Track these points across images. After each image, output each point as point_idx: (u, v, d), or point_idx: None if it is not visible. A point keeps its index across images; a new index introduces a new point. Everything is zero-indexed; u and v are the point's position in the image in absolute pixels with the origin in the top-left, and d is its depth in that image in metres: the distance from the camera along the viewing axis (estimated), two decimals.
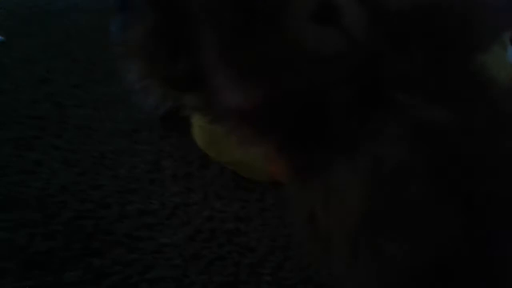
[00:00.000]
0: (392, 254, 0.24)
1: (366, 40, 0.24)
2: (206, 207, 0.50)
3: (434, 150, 0.24)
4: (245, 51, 0.24)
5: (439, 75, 0.25)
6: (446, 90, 0.25)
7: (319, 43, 0.24)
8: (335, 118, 0.25)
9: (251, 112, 0.25)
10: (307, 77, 0.24)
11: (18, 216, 0.45)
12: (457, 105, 0.25)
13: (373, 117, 0.24)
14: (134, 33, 0.27)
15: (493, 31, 0.30)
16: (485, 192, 0.24)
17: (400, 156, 0.24)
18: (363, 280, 0.27)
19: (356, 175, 0.25)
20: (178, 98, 0.30)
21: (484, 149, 0.25)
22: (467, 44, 0.27)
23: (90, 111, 0.63)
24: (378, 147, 0.24)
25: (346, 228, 0.26)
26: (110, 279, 0.41)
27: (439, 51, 0.26)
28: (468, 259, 0.24)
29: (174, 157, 0.56)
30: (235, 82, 0.24)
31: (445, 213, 0.24)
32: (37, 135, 0.57)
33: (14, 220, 0.45)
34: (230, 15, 0.23)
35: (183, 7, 0.25)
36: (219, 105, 0.26)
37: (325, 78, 0.24)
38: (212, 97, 0.26)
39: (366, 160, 0.24)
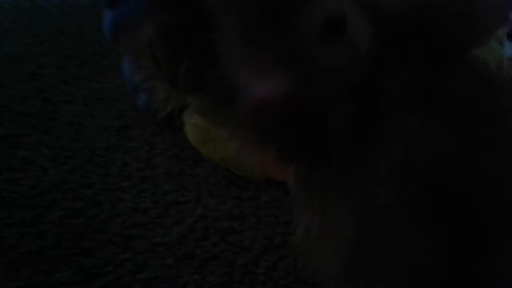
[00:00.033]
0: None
1: (368, 51, 0.24)
2: (199, 205, 0.49)
3: (424, 190, 0.25)
4: (271, 45, 0.24)
5: (438, 83, 0.25)
6: (447, 102, 0.25)
7: (326, 58, 0.24)
8: (335, 133, 0.25)
9: (267, 111, 0.25)
10: (315, 87, 0.24)
11: (7, 215, 0.44)
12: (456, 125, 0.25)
13: (370, 143, 0.25)
14: (140, 33, 0.27)
15: (488, 27, 0.30)
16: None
17: (391, 195, 0.25)
18: None
19: (349, 209, 0.26)
20: (182, 99, 0.30)
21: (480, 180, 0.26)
22: (464, 42, 0.27)
23: (81, 107, 0.62)
24: (371, 184, 0.25)
25: (338, 256, 0.27)
26: (102, 279, 0.40)
27: (437, 51, 0.26)
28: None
29: (167, 154, 0.55)
30: (262, 74, 0.24)
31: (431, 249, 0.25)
32: (26, 132, 0.56)
33: (2, 219, 0.44)
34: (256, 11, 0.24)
35: (197, 6, 0.25)
36: (241, 102, 0.25)
37: (329, 91, 0.24)
38: (234, 94, 0.25)
39: (358, 196, 0.25)
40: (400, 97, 0.25)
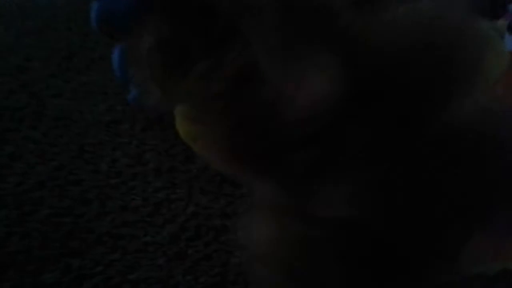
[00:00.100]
0: None
1: (338, 100, 0.25)
2: (191, 203, 0.48)
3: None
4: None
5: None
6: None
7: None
8: (295, 175, 0.27)
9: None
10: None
11: None
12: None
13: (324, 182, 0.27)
14: (140, 40, 0.27)
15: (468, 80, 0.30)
16: None
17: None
18: None
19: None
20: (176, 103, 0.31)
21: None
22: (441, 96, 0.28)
23: (69, 101, 0.61)
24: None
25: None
26: (91, 280, 0.39)
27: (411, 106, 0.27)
28: None
29: (158, 150, 0.54)
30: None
31: None
32: (12, 127, 0.55)
33: None
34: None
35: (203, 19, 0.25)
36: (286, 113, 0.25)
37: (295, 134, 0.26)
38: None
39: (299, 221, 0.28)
40: (361, 147, 0.26)
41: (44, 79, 0.65)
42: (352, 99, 0.25)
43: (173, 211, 0.47)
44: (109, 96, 0.63)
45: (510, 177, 0.30)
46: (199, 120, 0.30)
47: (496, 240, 0.44)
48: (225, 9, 0.25)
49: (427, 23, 0.27)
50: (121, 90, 0.61)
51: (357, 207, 0.27)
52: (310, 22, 0.25)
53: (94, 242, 0.42)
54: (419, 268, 0.30)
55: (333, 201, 0.27)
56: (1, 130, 0.54)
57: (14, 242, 0.41)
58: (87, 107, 0.60)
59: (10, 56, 0.70)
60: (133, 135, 0.56)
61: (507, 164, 0.30)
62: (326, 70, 0.25)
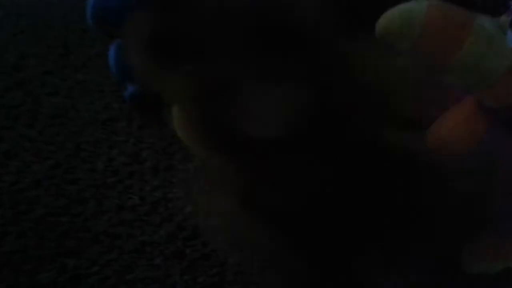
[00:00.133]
0: None
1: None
2: (189, 202, 0.47)
3: None
4: None
5: None
6: None
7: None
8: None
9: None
10: None
11: None
12: None
13: None
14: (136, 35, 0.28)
15: None
16: None
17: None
18: None
19: None
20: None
21: None
22: None
23: (65, 99, 0.61)
24: None
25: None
26: (87, 280, 0.39)
27: None
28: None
29: (155, 148, 0.54)
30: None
31: None
32: (8, 125, 0.55)
33: None
34: None
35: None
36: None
37: None
38: None
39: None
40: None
41: (40, 77, 0.65)
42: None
43: (170, 210, 0.46)
44: (106, 94, 0.62)
45: None
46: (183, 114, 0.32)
47: (497, 239, 0.44)
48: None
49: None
50: (117, 88, 0.61)
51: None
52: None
53: (91, 242, 0.42)
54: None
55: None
56: None
57: (9, 242, 0.41)
58: (84, 105, 0.60)
59: (5, 54, 0.69)
60: (130, 133, 0.56)
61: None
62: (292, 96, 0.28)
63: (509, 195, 0.43)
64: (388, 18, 0.36)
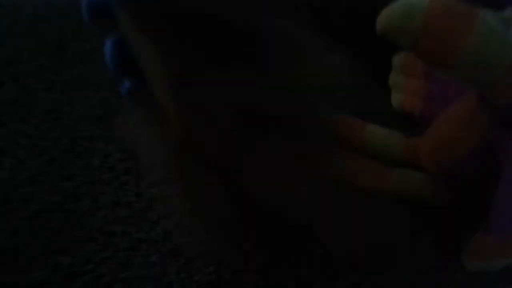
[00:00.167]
0: None
1: None
2: (186, 198, 0.47)
3: None
4: None
5: None
6: None
7: None
8: None
9: None
10: None
11: None
12: None
13: None
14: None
15: None
16: None
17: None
18: None
19: None
20: None
21: None
22: None
23: (61, 94, 0.60)
24: None
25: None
26: (81, 279, 0.38)
27: None
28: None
29: (152, 144, 0.53)
30: None
31: None
32: (2, 121, 0.54)
33: None
34: None
35: None
36: None
37: None
38: None
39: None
40: None
41: (35, 71, 0.64)
42: None
43: (167, 207, 0.45)
44: (102, 89, 0.61)
45: None
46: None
47: (497, 237, 0.44)
48: None
49: None
50: (114, 83, 0.60)
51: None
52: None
53: (85, 239, 0.41)
54: None
55: None
56: None
57: (1, 239, 0.40)
58: (79, 100, 0.59)
59: (0, 48, 0.69)
60: (127, 129, 0.55)
61: None
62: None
63: (509, 193, 0.42)
64: (389, 12, 0.35)
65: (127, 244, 0.41)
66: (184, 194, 0.40)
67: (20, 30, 0.74)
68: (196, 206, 0.39)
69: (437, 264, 0.47)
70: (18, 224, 0.42)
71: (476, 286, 0.44)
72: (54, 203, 0.44)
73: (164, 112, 0.36)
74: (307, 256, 0.43)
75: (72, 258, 0.40)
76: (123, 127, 0.54)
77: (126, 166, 0.49)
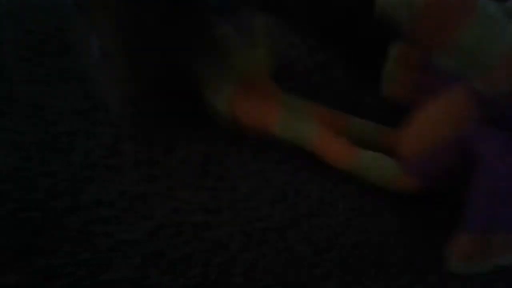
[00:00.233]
0: None
1: None
2: (171, 197, 0.46)
3: None
4: None
5: None
6: None
7: None
8: None
9: None
10: None
11: None
12: None
13: None
14: None
15: None
16: None
17: None
18: None
19: None
20: None
21: None
22: None
23: (42, 87, 0.58)
24: None
25: None
26: (59, 281, 0.37)
27: None
28: None
29: (136, 140, 0.52)
30: None
31: None
32: None
33: None
34: None
35: None
36: None
37: None
38: None
39: None
40: None
41: (16, 63, 0.62)
42: None
43: (151, 206, 0.44)
44: (86, 82, 0.60)
45: None
46: None
47: (478, 236, 0.43)
48: None
49: None
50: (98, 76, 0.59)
51: None
52: None
53: (64, 240, 0.40)
54: None
55: None
56: None
57: None
58: (62, 93, 0.57)
59: None
60: (110, 124, 0.53)
61: None
62: None
63: (488, 187, 0.42)
64: None
65: (108, 245, 0.40)
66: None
67: (1, 20, 0.72)
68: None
69: (429, 265, 0.46)
70: None
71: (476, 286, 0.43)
72: (32, 201, 0.42)
73: None
74: None
75: (49, 260, 0.38)
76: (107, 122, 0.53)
77: (108, 163, 0.48)
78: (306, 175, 0.52)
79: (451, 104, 0.45)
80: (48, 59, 0.63)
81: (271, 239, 0.44)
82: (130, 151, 0.50)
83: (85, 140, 0.50)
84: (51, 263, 0.38)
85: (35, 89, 0.58)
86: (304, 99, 0.58)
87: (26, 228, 0.40)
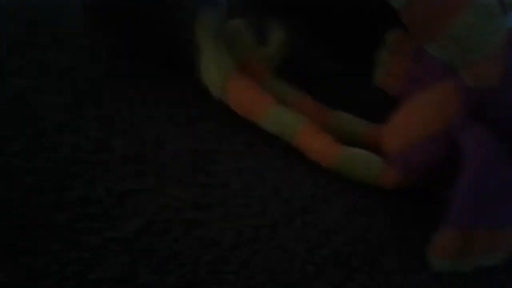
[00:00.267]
0: None
1: None
2: (160, 193, 0.45)
3: None
4: None
5: None
6: None
7: None
8: None
9: None
10: None
11: None
12: None
13: None
14: None
15: None
16: None
17: None
18: None
19: None
20: None
21: None
22: None
23: (28, 80, 0.57)
24: None
25: None
26: (45, 281, 0.36)
27: None
28: None
29: (125, 134, 0.51)
30: None
31: None
32: None
33: None
34: None
35: None
36: None
37: None
38: None
39: None
40: None
41: (2, 55, 0.61)
42: None
43: (139, 202, 0.43)
44: (74, 74, 0.59)
45: None
46: None
47: (460, 232, 0.43)
48: None
49: None
50: (86, 68, 0.58)
51: None
52: None
53: (50, 238, 0.39)
54: None
55: None
56: None
57: None
58: (49, 86, 0.56)
59: None
60: (98, 118, 0.53)
61: None
62: None
63: (472, 182, 0.42)
64: None
65: (96, 243, 0.39)
66: None
67: None
68: None
69: (423, 262, 0.46)
70: None
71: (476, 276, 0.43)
72: (16, 199, 0.41)
73: None
74: None
75: (34, 259, 0.37)
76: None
77: (96, 158, 0.47)
78: (299, 171, 0.51)
79: (439, 97, 0.45)
80: (35, 50, 0.62)
81: (264, 236, 0.43)
82: (118, 146, 0.49)
83: (72, 135, 0.49)
84: (36, 262, 0.37)
85: (21, 82, 0.56)
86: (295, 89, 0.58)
87: (10, 226, 0.39)
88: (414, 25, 0.38)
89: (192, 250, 0.40)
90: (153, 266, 0.38)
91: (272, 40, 0.64)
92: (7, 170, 0.44)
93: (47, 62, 0.61)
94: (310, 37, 0.70)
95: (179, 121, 0.54)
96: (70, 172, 0.45)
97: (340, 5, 0.65)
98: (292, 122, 0.51)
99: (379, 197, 0.51)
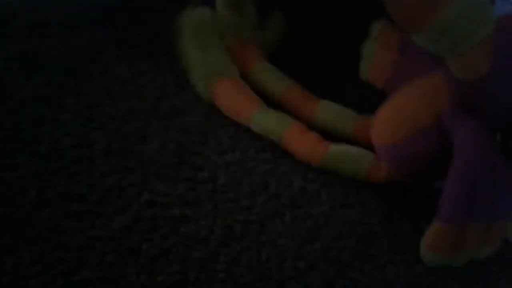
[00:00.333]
0: None
1: None
2: (146, 189, 0.44)
3: None
4: None
5: None
6: None
7: None
8: None
9: None
10: None
11: None
12: None
13: None
14: None
15: None
16: None
17: None
18: None
19: None
20: None
21: None
22: None
23: (4, 72, 0.56)
24: None
25: None
26: (28, 282, 0.35)
27: None
28: None
29: (107, 128, 0.50)
30: None
31: None
32: None
33: None
34: None
35: None
36: None
37: None
38: None
39: None
40: None
41: None
42: None
43: (124, 199, 0.43)
44: (52, 66, 0.57)
45: None
46: None
47: (452, 226, 0.43)
48: None
49: None
50: (66, 60, 0.56)
51: None
52: None
53: (32, 238, 0.38)
54: None
55: None
56: None
57: None
58: (25, 79, 0.55)
59: None
60: (79, 111, 0.51)
61: None
62: None
63: (462, 174, 0.43)
64: None
65: (80, 242, 0.39)
66: None
67: None
68: None
69: (415, 255, 0.46)
70: None
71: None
72: None
73: None
74: None
75: (17, 259, 0.36)
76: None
77: (77, 153, 0.46)
78: (288, 164, 0.51)
79: (428, 90, 0.45)
80: (10, 41, 0.61)
81: (253, 232, 0.43)
82: (99, 140, 0.48)
83: (52, 129, 0.48)
84: (19, 263, 0.36)
85: None
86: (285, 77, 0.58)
87: None
88: (401, 16, 0.38)
89: (181, 247, 0.40)
90: (141, 265, 0.38)
91: (270, 26, 0.65)
92: None
93: (22, 54, 0.60)
94: (301, 28, 0.70)
95: (162, 113, 0.53)
96: (50, 168, 0.44)
97: None
98: (277, 125, 0.52)
99: (369, 190, 0.51)
